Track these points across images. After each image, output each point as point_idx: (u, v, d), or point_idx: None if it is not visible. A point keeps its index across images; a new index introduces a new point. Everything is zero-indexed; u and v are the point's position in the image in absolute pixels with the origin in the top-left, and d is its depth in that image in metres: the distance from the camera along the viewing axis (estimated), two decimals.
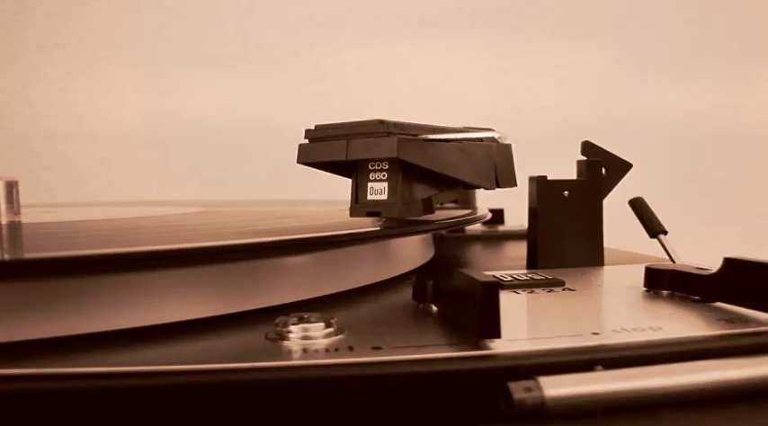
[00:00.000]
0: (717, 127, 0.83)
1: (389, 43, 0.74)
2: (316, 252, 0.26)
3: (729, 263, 0.22)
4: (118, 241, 0.25)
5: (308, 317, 0.19)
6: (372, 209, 0.29)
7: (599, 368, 0.17)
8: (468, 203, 0.49)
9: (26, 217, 0.36)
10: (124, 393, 0.16)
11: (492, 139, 0.30)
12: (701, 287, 0.24)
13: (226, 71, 0.71)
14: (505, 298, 0.24)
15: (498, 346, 0.18)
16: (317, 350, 0.18)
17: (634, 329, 0.20)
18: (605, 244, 0.33)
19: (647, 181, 0.51)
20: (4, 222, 0.34)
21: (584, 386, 0.15)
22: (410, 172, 0.28)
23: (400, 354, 0.17)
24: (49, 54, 0.66)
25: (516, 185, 0.31)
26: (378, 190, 0.28)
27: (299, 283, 0.25)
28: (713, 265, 0.24)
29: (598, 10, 0.79)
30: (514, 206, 0.51)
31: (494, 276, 0.28)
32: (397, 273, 0.31)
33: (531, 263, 0.33)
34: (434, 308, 0.23)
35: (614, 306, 0.24)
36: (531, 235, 0.33)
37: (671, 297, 0.25)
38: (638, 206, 0.34)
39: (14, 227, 0.32)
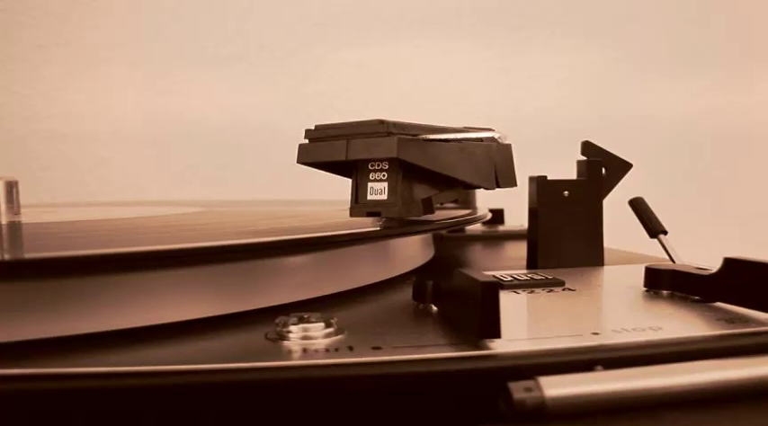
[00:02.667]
0: (717, 127, 0.83)
1: (389, 43, 0.74)
2: (316, 252, 0.26)
3: (729, 263, 0.22)
4: (118, 241, 0.25)
5: (308, 317, 0.19)
6: (372, 209, 0.29)
7: (599, 368, 0.17)
8: (468, 203, 0.49)
9: (26, 217, 0.36)
10: (124, 393, 0.16)
11: (492, 139, 0.30)
12: (701, 287, 0.24)
13: (226, 71, 0.71)
14: (505, 298, 0.24)
15: (498, 346, 0.18)
16: (317, 350, 0.18)
17: (634, 329, 0.20)
18: (605, 244, 0.33)
19: (647, 181, 0.51)
20: (4, 222, 0.34)
21: (584, 386, 0.15)
22: (410, 172, 0.28)
23: (400, 354, 0.17)
24: (49, 54, 0.66)
25: (516, 185, 0.31)
26: (378, 190, 0.28)
27: (299, 283, 0.25)
28: (713, 265, 0.24)
29: (598, 10, 0.79)
30: (514, 206, 0.51)
31: (494, 276, 0.28)
32: (397, 273, 0.31)
33: (531, 263, 0.33)
34: (434, 308, 0.23)
35: (614, 306, 0.24)
36: (531, 235, 0.33)
37: (671, 297, 0.25)
38: (638, 206, 0.34)
39: (14, 227, 0.32)
